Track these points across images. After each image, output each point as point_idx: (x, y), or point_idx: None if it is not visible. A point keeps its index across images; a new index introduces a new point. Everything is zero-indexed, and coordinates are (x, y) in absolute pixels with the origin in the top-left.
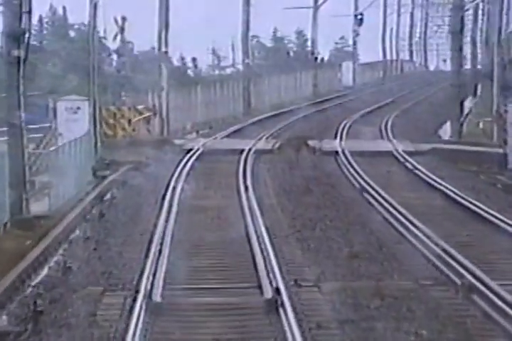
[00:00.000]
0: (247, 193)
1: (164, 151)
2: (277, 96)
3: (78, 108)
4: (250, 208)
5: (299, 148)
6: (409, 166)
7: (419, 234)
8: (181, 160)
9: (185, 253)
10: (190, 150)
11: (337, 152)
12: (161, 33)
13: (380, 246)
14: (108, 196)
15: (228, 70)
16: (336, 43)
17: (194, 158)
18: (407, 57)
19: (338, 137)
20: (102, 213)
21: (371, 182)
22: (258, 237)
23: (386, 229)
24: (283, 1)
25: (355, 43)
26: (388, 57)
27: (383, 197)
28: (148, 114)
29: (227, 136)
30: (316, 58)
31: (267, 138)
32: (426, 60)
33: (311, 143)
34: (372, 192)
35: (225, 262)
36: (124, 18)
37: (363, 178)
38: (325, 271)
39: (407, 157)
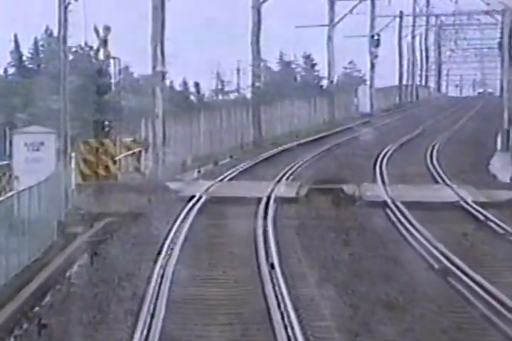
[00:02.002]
0: (272, 275)
1: (156, 200)
2: (290, 124)
3: (42, 143)
4: (280, 306)
5: (337, 200)
6: (495, 227)
7: None
8: (178, 215)
9: None
10: (190, 198)
11: (385, 202)
12: (155, 49)
13: None
14: (67, 275)
15: (232, 95)
16: (345, 68)
17: (194, 211)
18: (418, 82)
19: (379, 180)
20: (43, 324)
21: (450, 255)
22: None
23: None
24: (289, 24)
25: (373, 66)
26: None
27: (481, 286)
28: (138, 149)
29: (237, 177)
30: (332, 81)
31: (287, 179)
32: (440, 85)
33: (346, 188)
34: (461, 275)
35: None
36: (107, 28)
37: (436, 248)
38: None
39: (484, 212)
